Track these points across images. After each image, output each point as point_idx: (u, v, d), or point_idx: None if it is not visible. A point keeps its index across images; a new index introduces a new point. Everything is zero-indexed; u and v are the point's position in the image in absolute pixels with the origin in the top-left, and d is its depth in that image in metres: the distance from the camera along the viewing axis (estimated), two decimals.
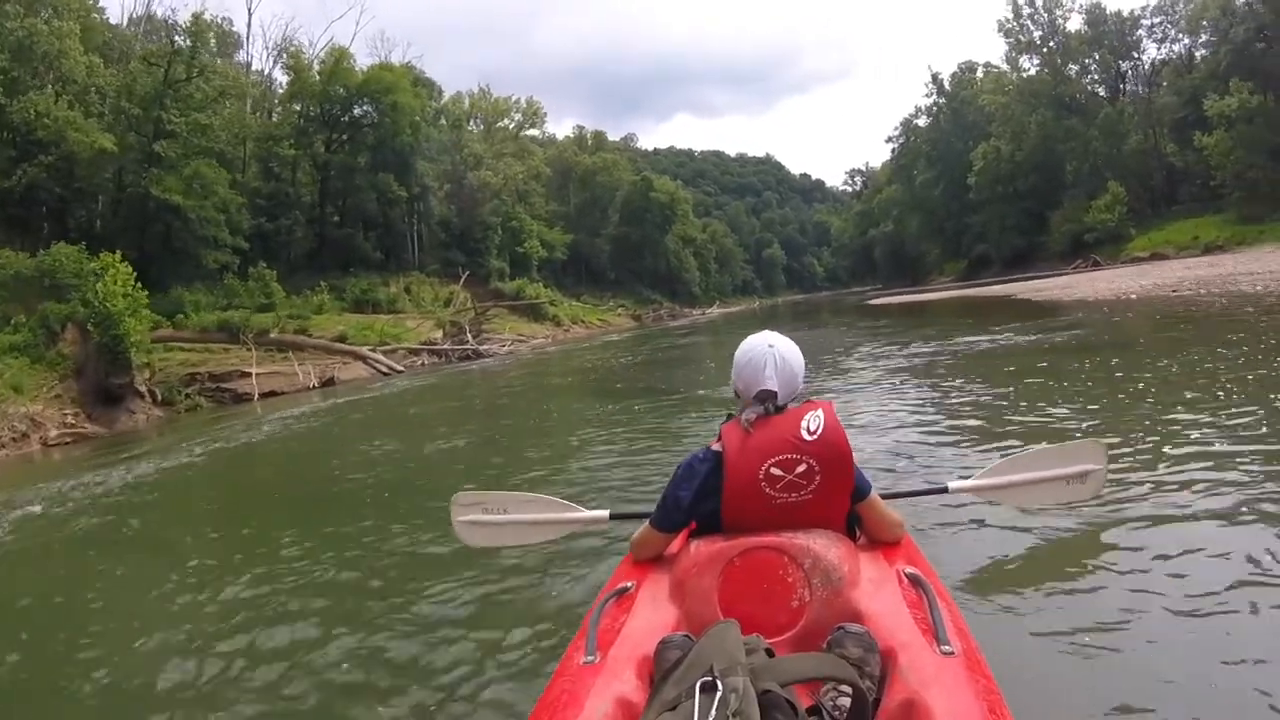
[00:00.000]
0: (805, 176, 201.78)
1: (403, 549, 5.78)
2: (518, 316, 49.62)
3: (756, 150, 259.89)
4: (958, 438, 7.08)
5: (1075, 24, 65.03)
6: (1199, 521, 4.11)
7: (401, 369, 29.32)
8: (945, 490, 3.42)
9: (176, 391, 23.79)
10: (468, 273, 50.36)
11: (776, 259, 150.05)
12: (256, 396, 24.55)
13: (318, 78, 50.17)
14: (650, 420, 10.50)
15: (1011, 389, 8.88)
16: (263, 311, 32.67)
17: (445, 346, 35.10)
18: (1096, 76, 66.03)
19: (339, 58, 50.16)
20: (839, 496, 2.32)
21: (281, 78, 53.42)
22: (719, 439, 2.38)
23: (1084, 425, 6.68)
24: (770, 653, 1.53)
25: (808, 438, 2.24)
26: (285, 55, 51.95)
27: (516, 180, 62.81)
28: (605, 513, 3.48)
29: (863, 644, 1.84)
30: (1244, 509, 4.20)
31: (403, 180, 51.44)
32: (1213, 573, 3.46)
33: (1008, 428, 7.06)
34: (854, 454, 2.30)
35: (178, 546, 7.24)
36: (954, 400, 9.11)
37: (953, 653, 1.81)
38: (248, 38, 53.48)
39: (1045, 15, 65.56)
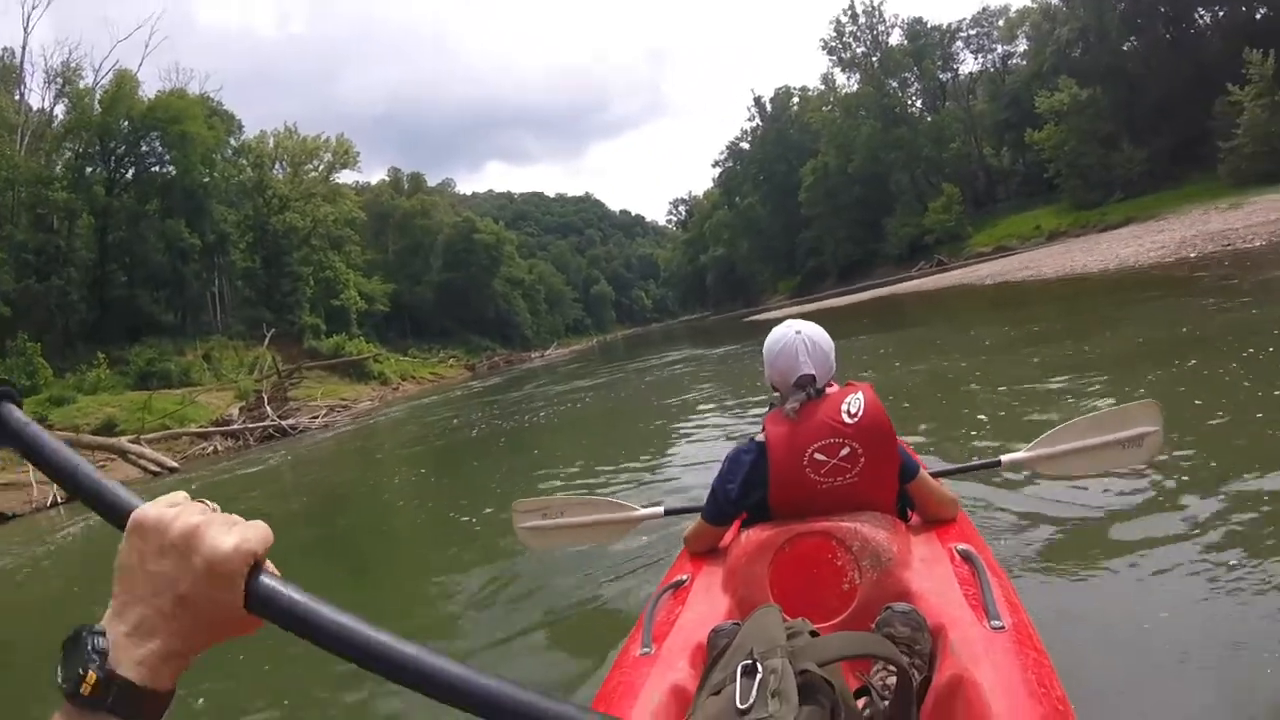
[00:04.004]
0: (625, 213, 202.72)
1: None
2: (339, 378, 43.32)
3: (575, 190, 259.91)
4: None
5: (896, 39, 68.58)
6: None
7: (175, 465, 20.41)
8: (998, 464, 3.40)
9: None
10: (273, 330, 43.14)
11: (605, 295, 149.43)
12: None
13: (98, 108, 42.85)
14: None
15: None
16: (26, 395, 26.01)
17: (239, 426, 25.85)
18: (918, 88, 69.78)
19: (122, 82, 43.01)
20: (885, 477, 2.32)
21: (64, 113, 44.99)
22: (763, 429, 2.41)
23: None
24: (815, 634, 1.46)
25: (848, 420, 2.26)
26: (62, 81, 43.80)
27: (327, 224, 56.64)
28: (660, 509, 3.55)
29: (911, 622, 1.83)
30: None
31: (196, 227, 44.65)
32: None
33: None
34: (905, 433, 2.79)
35: None
36: None
37: (1003, 627, 1.81)
38: (21, 65, 44.25)
39: (868, 32, 68.68)
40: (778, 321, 2.71)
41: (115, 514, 0.74)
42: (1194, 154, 42.59)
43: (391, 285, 69.22)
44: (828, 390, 2.41)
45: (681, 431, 10.03)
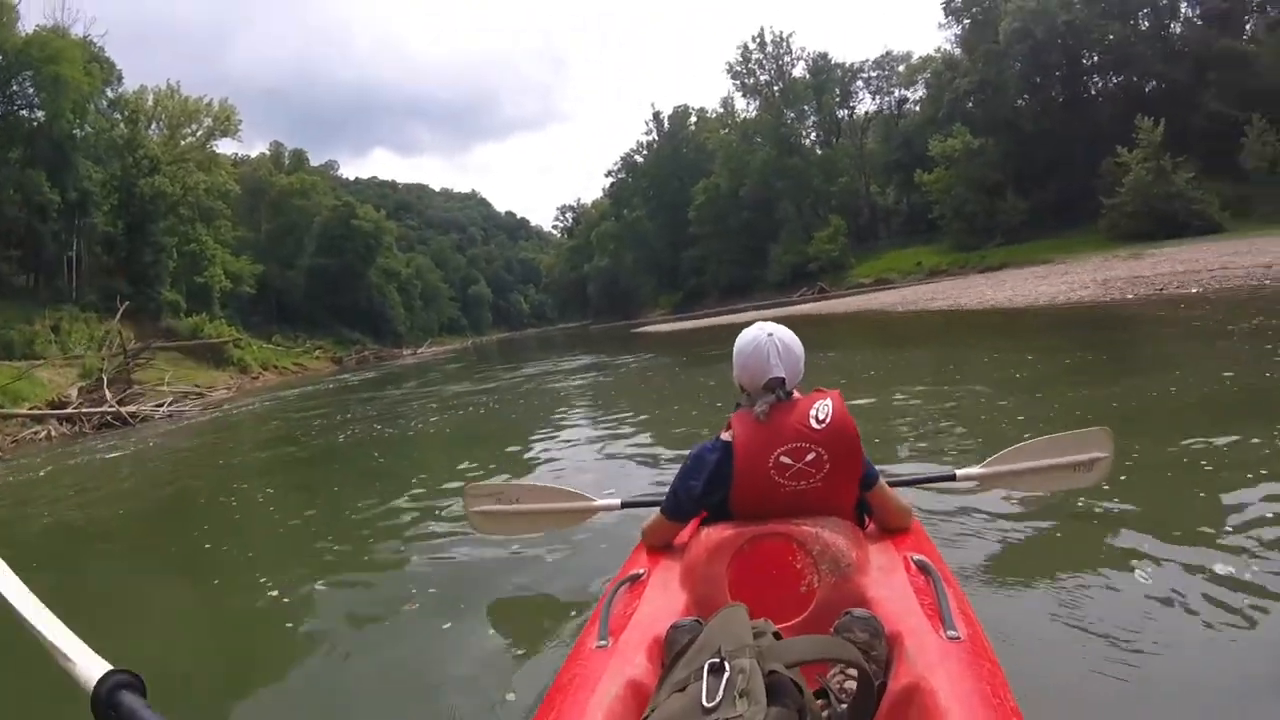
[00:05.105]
0: (510, 214, 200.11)
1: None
2: (194, 361, 40.18)
3: (462, 187, 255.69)
4: None
5: (799, 71, 71.33)
6: (1227, 519, 3.76)
7: None
8: (953, 478, 3.50)
9: None
10: (126, 304, 37.90)
11: (483, 296, 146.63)
12: None
13: None
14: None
15: None
16: None
17: (74, 410, 22.42)
18: (815, 121, 72.47)
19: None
20: (848, 484, 2.36)
21: None
22: (728, 428, 2.43)
23: None
24: (778, 636, 1.50)
25: (816, 426, 2.28)
26: None
27: (198, 193, 52.76)
28: (617, 501, 3.62)
29: (869, 628, 1.85)
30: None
31: (58, 182, 40.67)
32: (1230, 572, 3.21)
33: None
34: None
35: None
36: None
37: (958, 638, 1.83)
38: None
39: (773, 61, 71.23)
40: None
41: None
42: (1074, 208, 46.07)
43: (260, 266, 64.93)
44: (796, 396, 2.43)
45: (614, 451, 8.38)
